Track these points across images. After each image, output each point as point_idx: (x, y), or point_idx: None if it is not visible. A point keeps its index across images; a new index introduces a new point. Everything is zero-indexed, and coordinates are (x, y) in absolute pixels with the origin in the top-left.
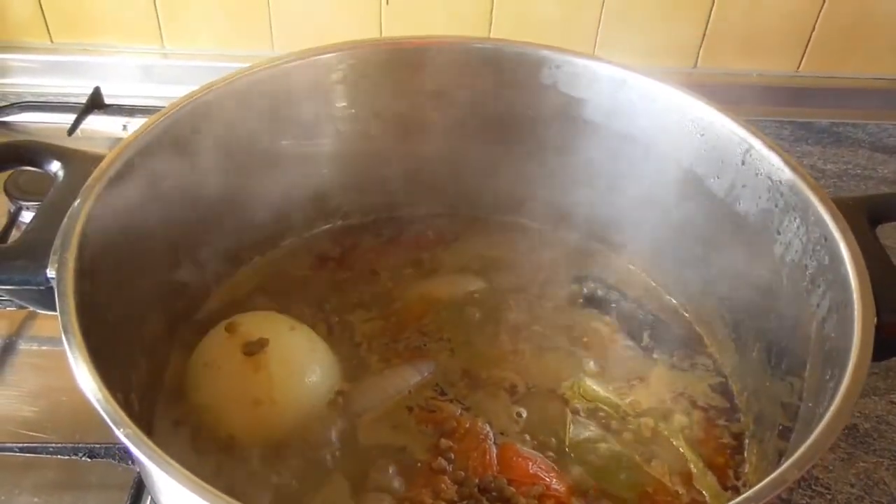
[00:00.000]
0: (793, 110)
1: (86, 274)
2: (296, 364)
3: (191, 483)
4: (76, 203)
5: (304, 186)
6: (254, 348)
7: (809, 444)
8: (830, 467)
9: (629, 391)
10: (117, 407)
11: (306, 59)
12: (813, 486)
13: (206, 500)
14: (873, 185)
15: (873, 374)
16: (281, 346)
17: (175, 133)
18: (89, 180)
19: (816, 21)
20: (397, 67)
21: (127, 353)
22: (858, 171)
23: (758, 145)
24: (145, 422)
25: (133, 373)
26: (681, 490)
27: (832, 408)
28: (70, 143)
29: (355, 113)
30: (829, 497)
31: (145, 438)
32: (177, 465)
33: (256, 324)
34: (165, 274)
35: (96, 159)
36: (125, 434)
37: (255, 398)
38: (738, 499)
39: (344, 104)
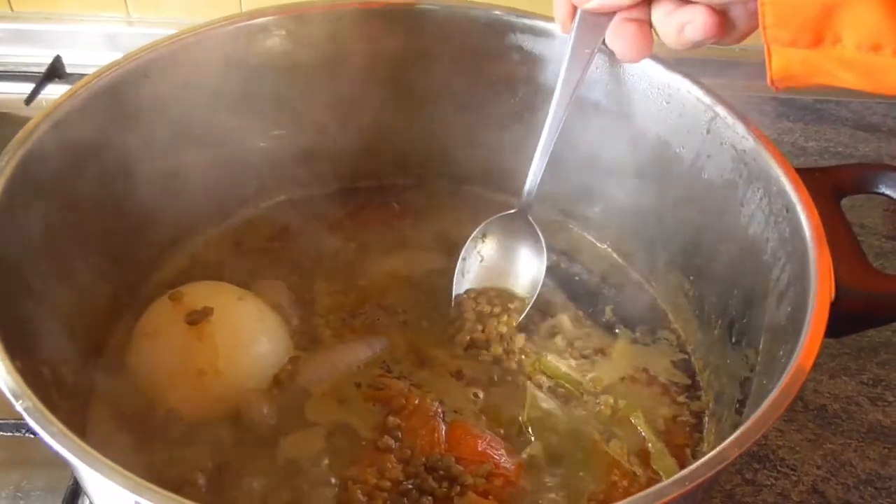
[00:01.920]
0: None
1: (6, 239)
2: (242, 334)
3: (88, 458)
4: None
5: (258, 154)
6: (198, 317)
7: (751, 423)
8: (797, 448)
9: (591, 367)
10: (20, 379)
11: (243, 22)
12: (779, 468)
13: (110, 480)
14: (854, 162)
15: (844, 355)
16: (227, 316)
17: (108, 96)
18: (10, 144)
19: None
20: (346, 31)
21: (61, 323)
22: (840, 150)
23: (723, 113)
24: (81, 395)
25: (68, 344)
26: (638, 471)
27: (779, 384)
28: (28, 112)
29: (307, 79)
30: (794, 478)
31: (47, 413)
32: (77, 441)
33: (202, 293)
34: (108, 245)
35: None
36: (24, 407)
37: (198, 368)
38: (673, 478)
39: (291, 69)
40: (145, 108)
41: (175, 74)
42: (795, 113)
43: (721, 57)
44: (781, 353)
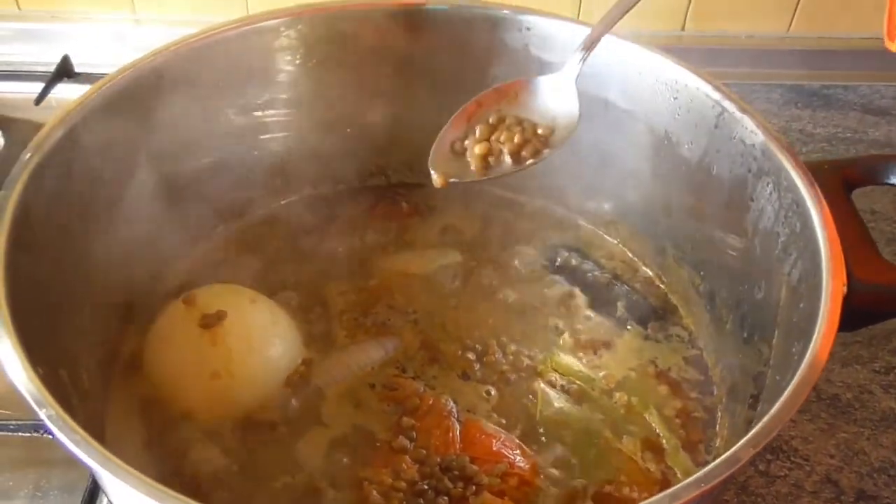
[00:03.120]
0: (783, 73)
1: (23, 246)
2: (255, 337)
3: (110, 465)
4: (12, 173)
5: (268, 155)
6: (211, 321)
7: (765, 422)
8: (810, 438)
9: (603, 364)
10: (41, 386)
11: (253, 25)
12: (792, 458)
13: (131, 486)
14: (863, 148)
15: (856, 343)
16: (240, 319)
17: (121, 100)
18: (27, 148)
19: None
20: (355, 32)
21: (77, 327)
22: (849, 135)
23: (731, 108)
24: (97, 397)
25: (84, 347)
26: (652, 467)
27: (793, 381)
28: (38, 112)
29: (317, 80)
30: (808, 469)
31: (70, 421)
32: (99, 448)
33: (215, 296)
34: (121, 246)
35: (36, 129)
36: (47, 416)
37: (212, 371)
38: (688, 480)
39: (298, 72)
40: (156, 111)
41: (185, 78)
42: (803, 99)
43: (727, 46)
44: (794, 349)
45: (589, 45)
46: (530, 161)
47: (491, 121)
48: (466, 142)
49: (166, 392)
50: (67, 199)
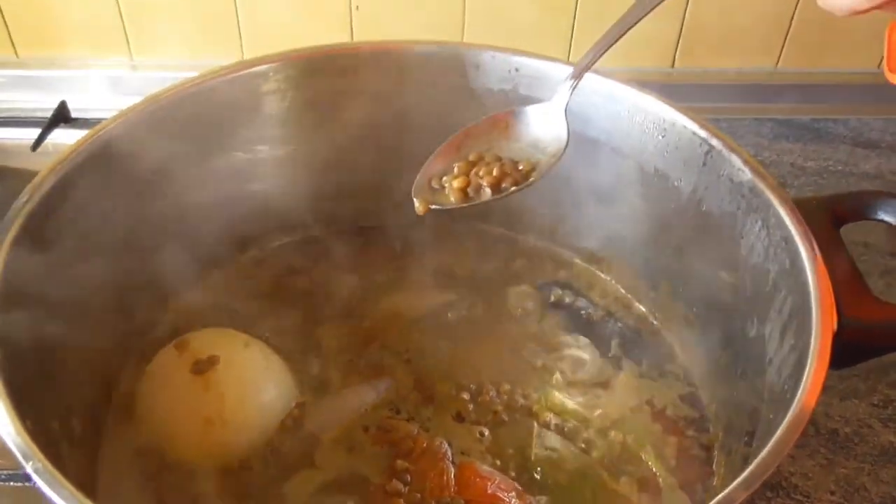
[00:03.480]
0: (772, 107)
1: (12, 300)
2: (249, 382)
3: None
4: (5, 219)
5: (259, 198)
6: (204, 367)
7: (758, 462)
8: (810, 474)
9: (598, 403)
10: (29, 440)
11: (239, 72)
12: (792, 495)
13: None
14: (854, 181)
15: (854, 376)
16: (233, 364)
17: (111, 150)
18: (23, 193)
19: (793, 16)
20: (338, 74)
21: (69, 373)
22: (840, 168)
23: (718, 146)
24: (90, 443)
25: (76, 395)
26: None
27: (785, 420)
28: (34, 158)
29: (309, 122)
30: None
31: (57, 475)
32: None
33: (208, 341)
34: (113, 293)
35: (30, 176)
36: (34, 469)
37: (205, 418)
38: None
39: (293, 113)
40: (145, 158)
41: (175, 124)
42: (794, 133)
43: (717, 81)
44: (786, 386)
45: (578, 74)
46: (513, 189)
47: (470, 158)
48: (444, 178)
49: (159, 438)
50: (59, 246)
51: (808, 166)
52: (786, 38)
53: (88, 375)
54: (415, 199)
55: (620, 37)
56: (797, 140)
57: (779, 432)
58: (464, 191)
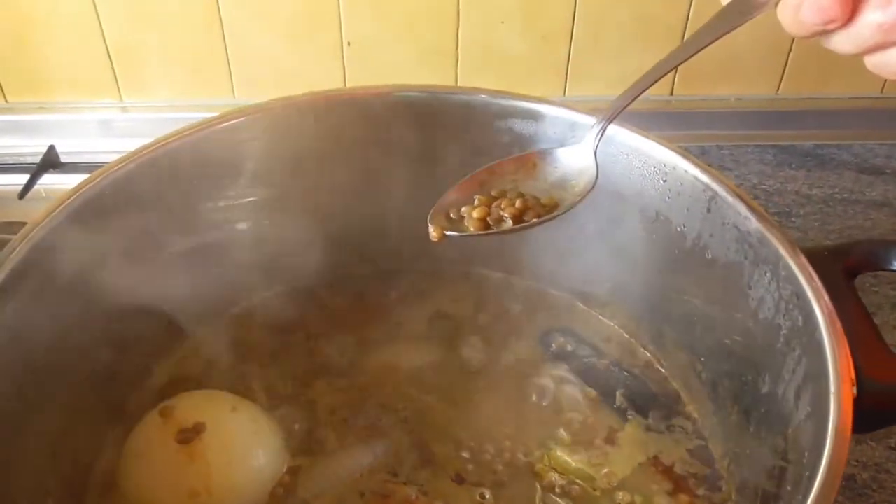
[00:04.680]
0: (774, 134)
1: None
2: (236, 450)
3: None
4: None
5: (246, 249)
6: (189, 435)
7: None
8: None
9: (604, 460)
10: None
11: (226, 123)
12: None
13: None
14: (861, 209)
15: None
16: (220, 431)
17: (89, 210)
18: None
19: (793, 42)
20: (341, 122)
21: (45, 449)
22: (846, 195)
23: (722, 192)
24: None
25: (55, 470)
26: None
27: (811, 498)
28: (23, 205)
29: (299, 170)
30: None
31: None
32: None
33: (194, 406)
34: (93, 361)
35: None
36: None
37: (190, 490)
38: None
39: (282, 162)
40: (129, 213)
41: (158, 180)
42: (797, 160)
43: (717, 108)
44: (806, 454)
45: (611, 116)
46: (535, 220)
47: (493, 193)
48: (463, 209)
49: None
50: (44, 305)
51: (814, 194)
52: (786, 64)
53: (66, 452)
54: (430, 226)
55: (658, 80)
56: (801, 167)
57: None
58: (483, 220)
